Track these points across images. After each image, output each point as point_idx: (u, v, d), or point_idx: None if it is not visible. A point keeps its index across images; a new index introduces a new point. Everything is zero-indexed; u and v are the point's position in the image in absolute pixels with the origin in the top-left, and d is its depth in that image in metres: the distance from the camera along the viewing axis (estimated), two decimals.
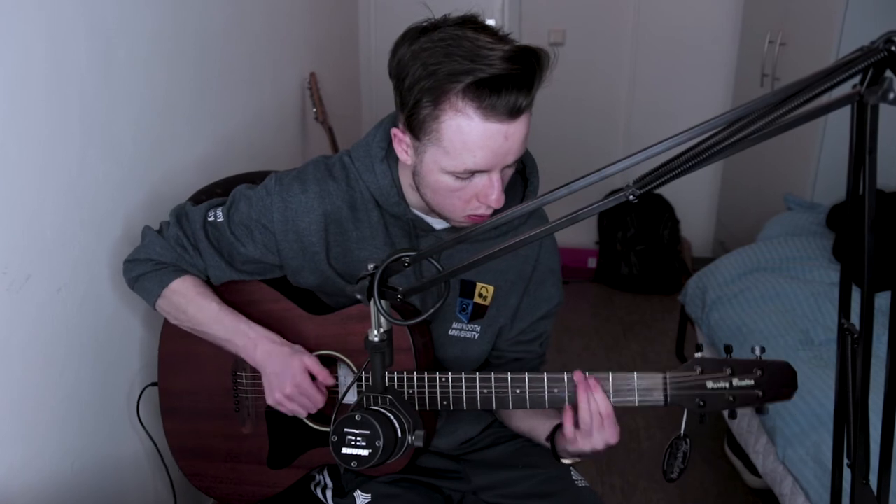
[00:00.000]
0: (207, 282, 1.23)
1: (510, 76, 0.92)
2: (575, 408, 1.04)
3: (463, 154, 0.97)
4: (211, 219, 1.19)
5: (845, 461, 0.82)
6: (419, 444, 0.92)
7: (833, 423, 0.85)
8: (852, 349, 0.78)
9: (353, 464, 0.89)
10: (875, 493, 0.78)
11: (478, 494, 1.24)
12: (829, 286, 2.16)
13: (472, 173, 0.99)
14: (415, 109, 0.97)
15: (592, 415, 1.02)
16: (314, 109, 2.57)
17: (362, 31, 3.59)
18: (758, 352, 0.97)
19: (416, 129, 0.99)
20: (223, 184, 1.45)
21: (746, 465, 2.14)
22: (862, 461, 0.78)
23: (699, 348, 1.01)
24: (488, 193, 1.01)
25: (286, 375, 1.13)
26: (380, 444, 0.88)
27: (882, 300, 1.95)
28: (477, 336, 1.21)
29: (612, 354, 3.01)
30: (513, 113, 0.94)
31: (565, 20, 3.61)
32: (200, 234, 1.19)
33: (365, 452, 0.88)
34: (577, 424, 1.04)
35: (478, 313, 1.20)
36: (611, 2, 3.59)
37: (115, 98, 1.33)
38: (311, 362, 1.14)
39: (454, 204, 1.05)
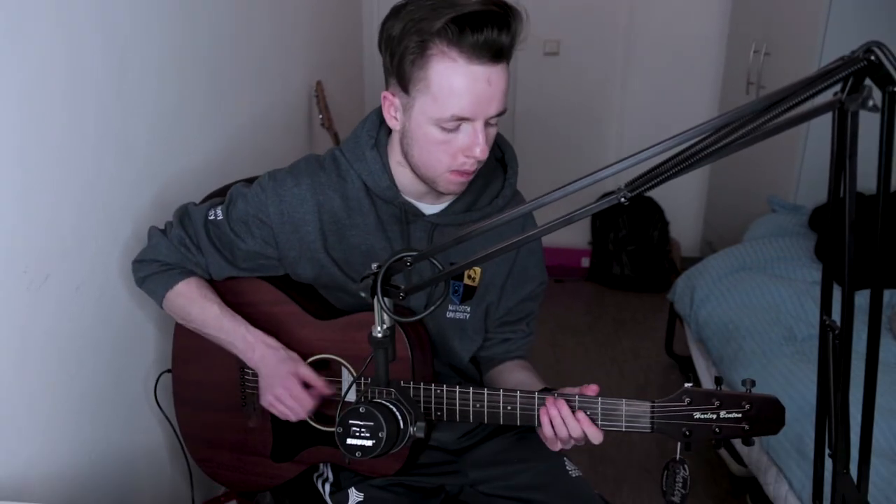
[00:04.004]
0: (211, 281, 1.23)
1: (489, 13, 0.95)
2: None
3: (449, 99, 0.98)
4: (212, 217, 1.19)
5: (827, 451, 0.82)
6: (420, 434, 0.92)
7: (815, 415, 0.85)
8: (833, 345, 0.78)
9: (358, 454, 0.89)
10: (855, 482, 0.78)
11: (475, 487, 1.24)
12: (812, 284, 2.16)
13: (459, 122, 1.00)
14: (402, 59, 0.99)
15: (570, 440, 1.02)
16: (320, 116, 2.57)
17: (366, 42, 3.58)
18: (748, 385, 0.95)
19: (406, 81, 1.01)
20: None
21: (732, 454, 2.14)
22: (843, 451, 0.78)
23: (689, 379, 0.98)
24: (473, 146, 1.02)
25: (276, 378, 1.14)
26: (383, 434, 0.88)
27: (861, 298, 1.94)
28: (468, 316, 1.22)
29: (605, 350, 3.01)
30: (495, 54, 0.96)
31: (560, 31, 3.60)
32: (202, 233, 1.19)
33: (369, 443, 0.88)
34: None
35: (467, 294, 1.21)
36: (604, 14, 3.58)
37: (129, 104, 1.33)
38: (306, 371, 1.15)
39: (440, 159, 1.05)
